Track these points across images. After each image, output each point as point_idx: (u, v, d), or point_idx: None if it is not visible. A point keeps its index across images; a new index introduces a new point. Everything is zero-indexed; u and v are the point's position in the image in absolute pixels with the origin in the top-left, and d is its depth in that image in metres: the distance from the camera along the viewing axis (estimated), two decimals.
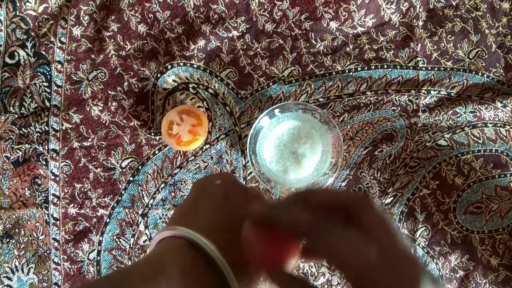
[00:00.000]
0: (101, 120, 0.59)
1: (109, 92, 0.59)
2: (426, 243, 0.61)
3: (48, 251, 0.60)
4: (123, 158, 0.59)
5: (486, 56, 0.62)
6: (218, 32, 0.59)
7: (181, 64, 0.59)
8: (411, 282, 0.20)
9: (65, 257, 0.60)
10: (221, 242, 0.24)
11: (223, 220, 0.27)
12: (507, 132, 0.62)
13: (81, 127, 0.59)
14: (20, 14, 0.59)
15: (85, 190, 0.59)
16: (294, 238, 0.25)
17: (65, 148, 0.59)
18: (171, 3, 0.59)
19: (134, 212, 0.60)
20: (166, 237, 0.26)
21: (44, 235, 0.59)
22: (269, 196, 0.60)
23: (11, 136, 0.59)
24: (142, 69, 0.59)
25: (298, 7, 0.60)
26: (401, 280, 0.20)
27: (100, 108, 0.59)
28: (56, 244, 0.60)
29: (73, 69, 0.59)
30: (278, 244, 0.25)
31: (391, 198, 0.61)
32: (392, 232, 0.22)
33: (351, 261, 0.21)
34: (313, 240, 0.23)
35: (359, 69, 0.61)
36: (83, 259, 0.60)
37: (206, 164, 0.60)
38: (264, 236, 0.25)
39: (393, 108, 0.61)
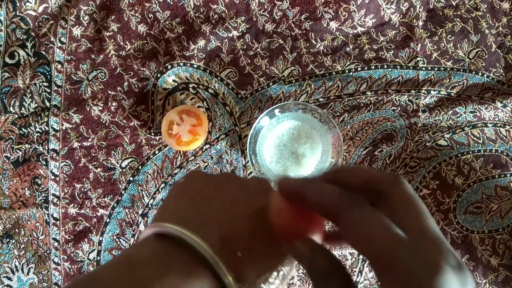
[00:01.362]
0: (101, 120, 0.59)
1: (109, 92, 0.59)
2: None
3: (48, 251, 0.60)
4: (123, 158, 0.59)
5: (486, 56, 0.62)
6: (218, 32, 0.59)
7: (181, 64, 0.59)
8: (433, 268, 0.19)
9: (65, 257, 0.60)
10: (205, 233, 0.24)
11: (203, 211, 0.26)
12: (507, 132, 0.62)
13: (81, 127, 0.59)
14: (20, 14, 0.59)
15: (85, 190, 0.59)
16: (319, 217, 0.25)
17: (65, 148, 0.59)
18: (171, 3, 0.59)
19: (134, 212, 0.60)
20: (146, 236, 0.25)
21: (44, 235, 0.59)
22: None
23: (11, 136, 0.59)
24: (142, 69, 0.59)
25: (298, 7, 0.60)
26: (424, 264, 0.19)
27: (100, 108, 0.59)
28: (56, 244, 0.60)
29: (73, 69, 0.59)
30: (303, 218, 0.24)
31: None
32: (421, 214, 0.22)
33: (377, 239, 0.20)
34: (340, 219, 0.22)
35: (359, 69, 0.61)
36: (83, 259, 0.60)
37: (206, 164, 0.60)
38: (290, 208, 0.24)
39: (393, 108, 0.61)
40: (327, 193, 0.23)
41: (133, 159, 0.60)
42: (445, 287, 0.19)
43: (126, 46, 0.59)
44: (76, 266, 0.60)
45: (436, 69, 0.61)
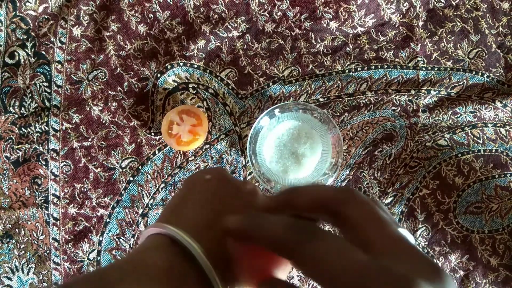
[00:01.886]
0: (101, 120, 0.59)
1: (109, 92, 0.59)
2: (426, 243, 0.61)
3: (48, 251, 0.60)
4: (123, 158, 0.59)
5: (486, 56, 0.62)
6: (218, 32, 0.59)
7: (181, 64, 0.59)
8: (404, 286, 0.17)
9: (65, 257, 0.60)
10: (206, 241, 0.24)
11: (210, 218, 0.26)
12: (507, 132, 0.62)
13: (81, 127, 0.59)
14: (20, 14, 0.59)
15: (85, 190, 0.59)
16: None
17: (65, 148, 0.59)
18: (171, 3, 0.59)
19: (134, 212, 0.60)
20: (152, 234, 0.26)
21: (44, 235, 0.59)
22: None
23: (11, 136, 0.59)
24: (142, 69, 0.59)
25: (298, 7, 0.60)
26: (393, 283, 0.17)
27: (100, 108, 0.59)
28: (56, 244, 0.60)
29: (73, 69, 0.59)
30: (265, 255, 0.23)
31: (391, 198, 0.61)
32: (379, 224, 0.20)
33: (339, 269, 0.18)
34: (295, 257, 0.19)
35: (359, 69, 0.61)
36: (83, 259, 0.60)
37: (206, 164, 0.60)
38: (249, 249, 0.23)
39: (393, 108, 0.61)
40: (273, 231, 0.20)
41: (133, 159, 0.60)
42: None
43: (126, 46, 0.59)
44: (76, 266, 0.60)
45: (436, 69, 0.61)
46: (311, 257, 0.19)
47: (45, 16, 0.59)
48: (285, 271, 0.24)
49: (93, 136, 0.59)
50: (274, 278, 0.23)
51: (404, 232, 0.21)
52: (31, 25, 0.59)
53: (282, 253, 0.20)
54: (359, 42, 0.61)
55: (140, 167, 0.60)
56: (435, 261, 0.61)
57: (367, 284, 0.17)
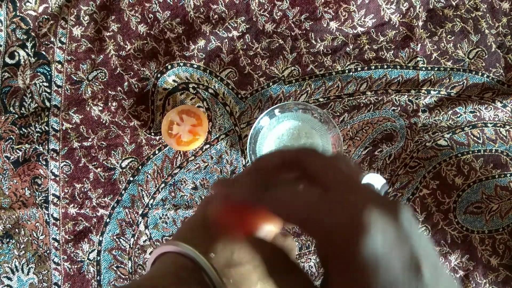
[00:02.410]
0: (101, 120, 0.59)
1: (109, 92, 0.59)
2: None
3: (48, 251, 0.60)
4: (123, 158, 0.59)
5: (486, 56, 0.62)
6: (218, 32, 0.59)
7: (181, 64, 0.59)
8: (354, 210, 0.19)
9: (65, 257, 0.60)
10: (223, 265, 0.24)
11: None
12: (507, 132, 0.62)
13: (81, 127, 0.59)
14: (20, 14, 0.59)
15: (85, 190, 0.59)
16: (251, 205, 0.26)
17: (65, 148, 0.59)
18: (171, 3, 0.59)
19: (134, 212, 0.60)
20: (168, 252, 0.25)
21: (44, 235, 0.59)
22: None
23: (11, 136, 0.59)
24: (142, 69, 0.59)
25: (298, 7, 0.60)
26: (344, 210, 0.19)
27: (100, 108, 0.59)
28: (56, 244, 0.60)
29: (73, 69, 0.59)
30: (246, 213, 0.25)
31: (391, 198, 0.61)
32: (340, 177, 0.22)
33: (295, 208, 0.21)
34: (263, 202, 0.23)
35: (359, 69, 0.61)
36: (83, 259, 0.60)
37: (206, 164, 0.60)
38: (231, 209, 0.25)
39: (393, 108, 0.61)
40: (244, 190, 0.24)
41: (133, 159, 0.60)
42: (374, 226, 0.18)
43: (126, 46, 0.59)
44: (76, 266, 0.60)
45: (436, 69, 0.61)
46: (272, 200, 0.22)
47: (45, 16, 0.59)
48: (268, 226, 0.26)
49: (93, 136, 0.59)
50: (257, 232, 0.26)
51: (370, 176, 0.23)
52: (31, 25, 0.59)
53: (256, 202, 0.23)
54: (359, 42, 0.61)
55: (140, 167, 0.60)
56: None
57: (319, 215, 0.19)
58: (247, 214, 0.26)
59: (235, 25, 0.60)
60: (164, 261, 0.25)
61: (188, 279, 0.23)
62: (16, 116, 0.59)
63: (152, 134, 0.59)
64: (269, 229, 0.26)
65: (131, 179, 0.60)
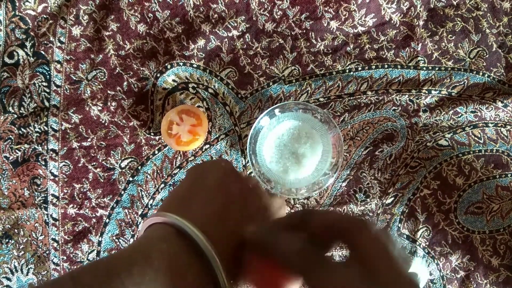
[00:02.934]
0: (101, 120, 0.59)
1: (109, 92, 0.59)
2: (427, 243, 0.61)
3: (47, 252, 0.59)
4: (123, 158, 0.59)
5: (487, 55, 0.61)
6: (218, 31, 0.59)
7: (181, 63, 0.59)
8: None
9: (65, 257, 0.60)
10: (213, 233, 0.24)
11: (216, 211, 0.27)
12: (508, 132, 0.62)
13: (80, 127, 0.59)
14: (19, 14, 0.58)
15: (85, 190, 0.59)
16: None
17: (65, 148, 0.59)
18: (171, 2, 0.59)
19: (133, 213, 0.60)
20: (156, 223, 0.26)
21: (43, 236, 0.59)
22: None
23: (10, 136, 0.59)
24: (141, 68, 0.59)
25: (298, 7, 0.60)
26: None
27: (100, 108, 0.59)
28: (55, 244, 0.59)
29: (72, 69, 0.59)
30: (275, 270, 0.24)
31: (392, 198, 0.61)
32: (390, 262, 0.21)
33: None
34: (305, 276, 0.21)
35: (359, 68, 0.60)
36: (82, 260, 0.60)
37: None
38: (263, 261, 0.24)
39: (393, 108, 0.60)
40: (287, 251, 0.22)
41: (132, 159, 0.59)
42: None
43: (125, 45, 0.59)
44: (75, 267, 0.60)
45: (437, 68, 0.61)
46: (317, 284, 0.20)
47: (44, 16, 0.59)
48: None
49: (93, 136, 0.59)
50: None
51: (418, 263, 0.22)
52: (30, 24, 0.59)
53: (293, 272, 0.22)
54: (359, 41, 0.61)
55: (139, 167, 0.59)
56: (435, 261, 0.61)
57: None
58: (277, 271, 0.24)
59: (235, 24, 0.59)
60: (152, 229, 0.26)
61: (175, 241, 0.24)
62: (15, 116, 0.59)
63: (152, 134, 0.59)
64: None
65: (131, 179, 0.59)
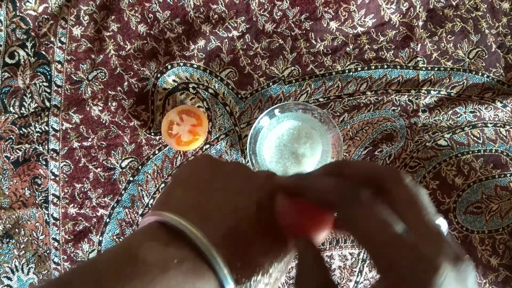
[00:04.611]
0: (101, 120, 0.59)
1: (109, 92, 0.59)
2: None
3: (48, 251, 0.60)
4: (123, 158, 0.59)
5: (486, 56, 0.62)
6: (218, 32, 0.59)
7: (181, 64, 0.59)
8: (431, 268, 0.19)
9: (65, 257, 0.60)
10: (209, 223, 0.24)
11: (194, 196, 0.26)
12: (507, 132, 0.62)
13: (81, 127, 0.59)
14: (20, 14, 0.59)
15: (85, 190, 0.59)
16: (325, 210, 0.25)
17: (65, 148, 0.59)
18: (171, 3, 0.59)
19: (134, 212, 0.60)
20: (150, 222, 0.25)
21: (44, 235, 0.59)
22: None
23: (11, 136, 0.59)
24: (142, 69, 0.59)
25: (298, 7, 0.60)
26: (422, 265, 0.20)
27: (100, 108, 0.59)
28: (56, 244, 0.60)
29: (73, 69, 0.59)
30: (309, 214, 0.25)
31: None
32: (421, 210, 0.22)
33: (376, 236, 0.20)
34: (340, 210, 0.22)
35: (359, 69, 0.61)
36: (83, 259, 0.60)
37: None
38: (296, 205, 0.24)
39: (393, 108, 0.61)
40: (324, 186, 0.23)
41: (133, 159, 0.60)
42: (443, 286, 0.19)
43: (126, 46, 0.59)
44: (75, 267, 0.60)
45: (436, 69, 0.61)
46: (354, 220, 0.21)
47: (45, 16, 0.59)
48: (322, 235, 0.25)
49: (93, 136, 0.59)
50: (310, 237, 0.25)
51: (439, 221, 0.23)
52: (31, 25, 0.59)
53: (331, 204, 0.23)
54: (359, 42, 0.61)
55: (140, 167, 0.60)
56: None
57: (397, 258, 0.20)
58: (313, 214, 0.25)
59: (235, 25, 0.60)
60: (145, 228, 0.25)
61: (162, 236, 0.23)
62: (16, 116, 0.59)
63: (152, 134, 0.59)
64: (323, 236, 0.25)
65: (131, 179, 0.60)
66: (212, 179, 0.28)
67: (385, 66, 0.61)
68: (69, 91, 0.59)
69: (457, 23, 0.62)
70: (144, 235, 0.24)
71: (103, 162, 0.59)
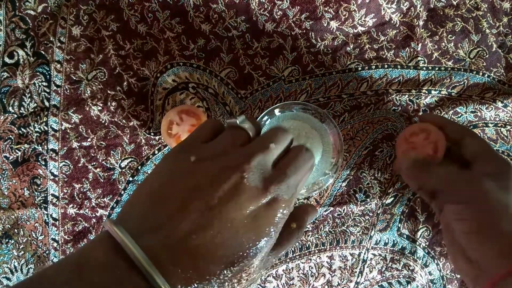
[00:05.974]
0: (101, 120, 0.59)
1: (109, 92, 0.59)
2: (427, 243, 0.61)
3: (47, 252, 0.59)
4: (123, 158, 0.59)
5: (487, 56, 0.61)
6: (218, 31, 0.59)
7: (181, 63, 0.59)
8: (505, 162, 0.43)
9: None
10: (155, 235, 0.24)
11: (147, 194, 0.27)
12: (508, 132, 0.62)
13: (80, 127, 0.59)
14: (19, 14, 0.59)
15: (85, 190, 0.59)
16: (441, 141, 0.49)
17: (64, 148, 0.59)
18: (171, 2, 0.59)
19: None
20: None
21: (43, 236, 0.59)
22: None
23: (10, 136, 0.59)
24: (141, 68, 0.59)
25: (298, 7, 0.60)
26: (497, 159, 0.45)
27: (100, 108, 0.59)
28: (55, 244, 0.59)
29: (72, 69, 0.59)
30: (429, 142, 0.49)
31: (392, 198, 0.61)
32: (494, 155, 0.45)
33: (479, 153, 0.45)
34: (462, 142, 0.48)
35: (359, 68, 0.60)
36: None
37: None
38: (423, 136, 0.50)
39: (393, 108, 0.60)
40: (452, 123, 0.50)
41: (132, 159, 0.59)
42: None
43: (125, 45, 0.59)
44: None
45: (436, 68, 0.61)
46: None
47: (45, 16, 0.59)
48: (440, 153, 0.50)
49: (92, 136, 0.59)
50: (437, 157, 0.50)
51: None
52: (31, 24, 0.59)
53: (455, 140, 0.51)
54: (359, 41, 0.61)
55: (139, 167, 0.59)
56: (435, 261, 0.61)
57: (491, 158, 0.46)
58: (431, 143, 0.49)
59: (235, 24, 0.60)
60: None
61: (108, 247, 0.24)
62: (15, 116, 0.59)
63: (152, 134, 0.59)
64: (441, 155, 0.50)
65: (131, 179, 0.59)
66: (167, 185, 0.28)
67: (386, 66, 0.60)
68: (68, 91, 0.59)
69: (458, 22, 0.61)
70: (93, 251, 0.24)
71: (103, 162, 0.59)
